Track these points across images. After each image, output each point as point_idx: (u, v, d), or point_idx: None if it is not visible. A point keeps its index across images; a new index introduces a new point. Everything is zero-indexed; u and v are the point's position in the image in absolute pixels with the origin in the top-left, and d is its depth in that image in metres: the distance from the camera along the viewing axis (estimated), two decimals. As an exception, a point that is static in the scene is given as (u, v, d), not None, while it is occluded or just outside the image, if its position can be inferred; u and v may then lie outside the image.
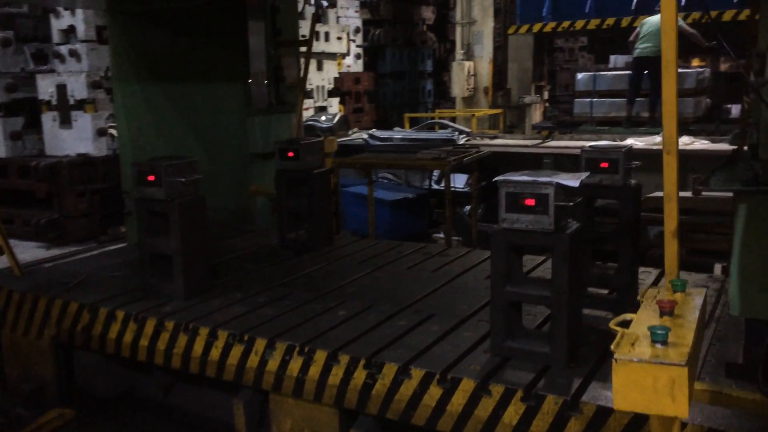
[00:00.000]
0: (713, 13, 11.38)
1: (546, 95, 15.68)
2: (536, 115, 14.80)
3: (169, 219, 3.84)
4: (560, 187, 2.76)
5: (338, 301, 3.82)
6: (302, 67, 6.40)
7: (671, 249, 1.90)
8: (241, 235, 5.62)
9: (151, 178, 3.82)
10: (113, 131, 7.52)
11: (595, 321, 3.34)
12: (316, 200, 4.91)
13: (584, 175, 2.96)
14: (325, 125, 9.28)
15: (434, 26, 18.25)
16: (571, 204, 2.80)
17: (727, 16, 11.29)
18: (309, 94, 11.58)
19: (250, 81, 6.00)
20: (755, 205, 1.98)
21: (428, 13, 17.97)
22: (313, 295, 3.94)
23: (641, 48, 10.21)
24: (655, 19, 10.12)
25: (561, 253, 2.76)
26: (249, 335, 3.33)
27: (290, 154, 4.86)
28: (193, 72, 5.80)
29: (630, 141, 8.31)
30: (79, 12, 7.84)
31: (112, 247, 5.88)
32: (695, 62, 11.65)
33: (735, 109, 11.03)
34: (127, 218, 5.70)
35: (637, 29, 10.45)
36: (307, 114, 10.41)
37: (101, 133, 7.87)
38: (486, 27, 14.47)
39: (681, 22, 10.12)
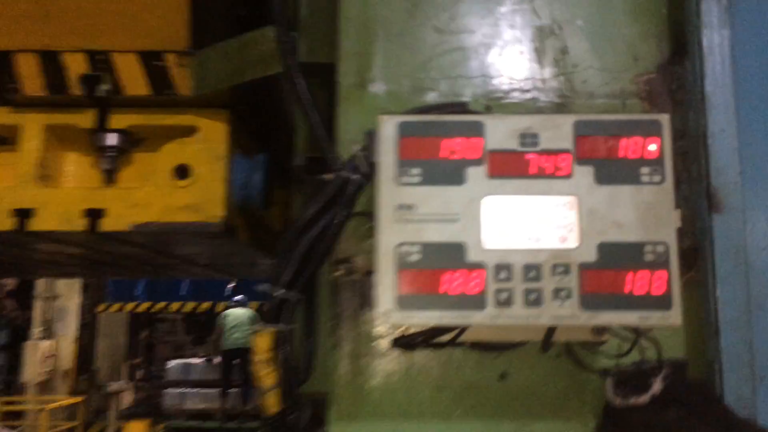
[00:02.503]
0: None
1: (140, 374, 14.33)
2: (127, 398, 13.21)
3: None
4: None
5: None
6: None
7: None
8: None
9: None
10: None
11: None
12: None
13: None
14: None
15: (17, 292, 15.99)
16: None
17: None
18: None
19: None
20: None
21: (9, 279, 15.75)
22: None
23: (232, 339, 10.30)
24: (237, 312, 10.40)
25: None
26: None
27: None
28: None
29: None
30: None
31: None
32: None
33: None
34: None
35: (220, 323, 10.71)
36: None
37: None
38: (72, 303, 12.97)
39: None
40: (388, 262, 1.07)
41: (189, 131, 2.50)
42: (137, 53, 2.41)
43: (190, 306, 12.67)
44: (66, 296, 13.08)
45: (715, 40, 1.32)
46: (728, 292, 1.27)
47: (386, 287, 1.06)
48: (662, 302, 1.05)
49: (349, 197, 1.29)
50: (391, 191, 1.08)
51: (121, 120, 2.47)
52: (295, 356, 1.61)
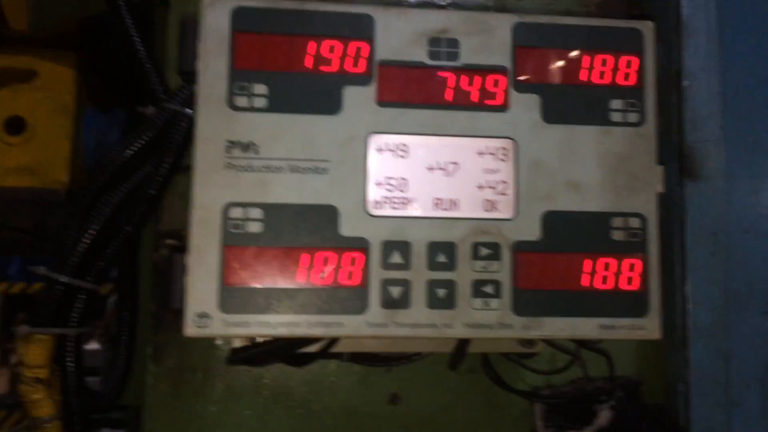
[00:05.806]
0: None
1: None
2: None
3: None
4: None
5: None
6: None
7: None
8: None
9: None
10: None
11: None
12: None
13: None
14: None
15: None
16: None
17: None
18: None
19: None
20: None
21: None
22: None
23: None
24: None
25: None
26: None
27: None
28: None
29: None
30: None
31: None
32: None
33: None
34: None
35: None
36: None
37: None
38: (-67, 280, 11.70)
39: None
40: (208, 233, 0.65)
41: (25, 76, 1.97)
42: (-46, -28, 1.87)
43: (72, 286, 11.69)
44: (-73, 274, 11.80)
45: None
46: (702, 288, 0.92)
47: (202, 274, 0.64)
48: (635, 304, 0.69)
49: (177, 139, 0.85)
50: (218, 119, 0.66)
51: (-66, 59, 1.93)
52: (103, 371, 1.16)
